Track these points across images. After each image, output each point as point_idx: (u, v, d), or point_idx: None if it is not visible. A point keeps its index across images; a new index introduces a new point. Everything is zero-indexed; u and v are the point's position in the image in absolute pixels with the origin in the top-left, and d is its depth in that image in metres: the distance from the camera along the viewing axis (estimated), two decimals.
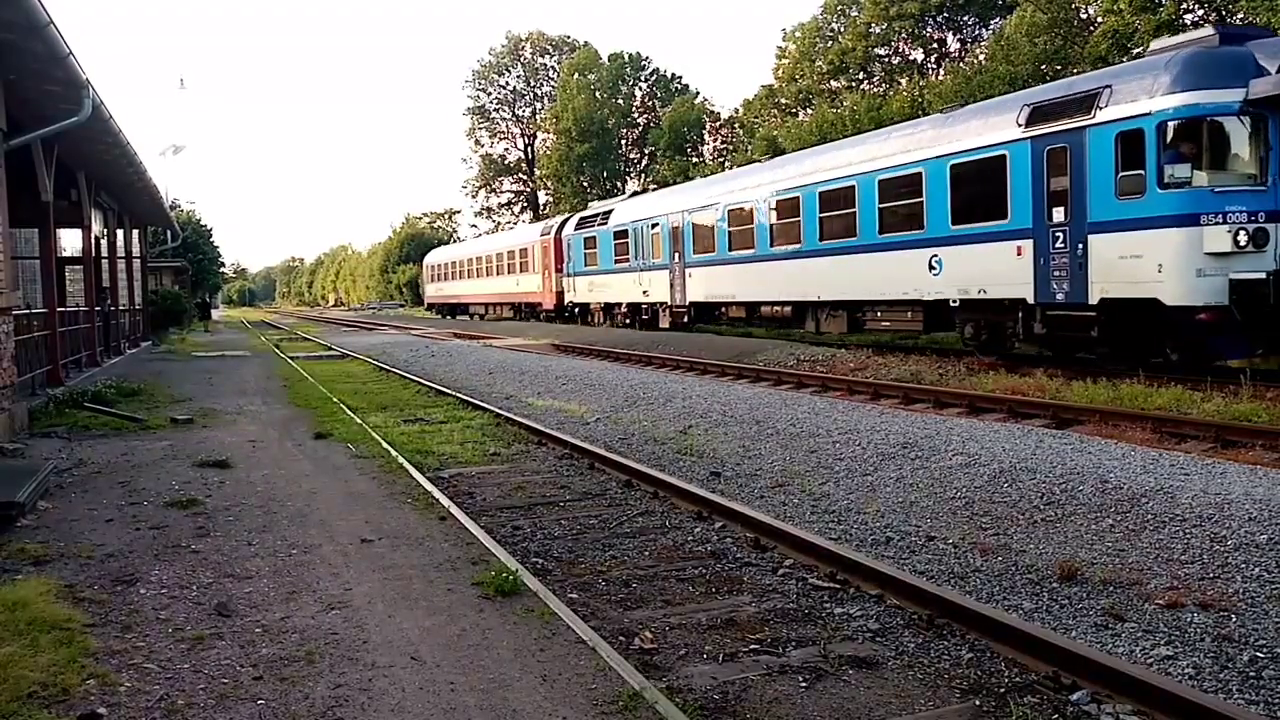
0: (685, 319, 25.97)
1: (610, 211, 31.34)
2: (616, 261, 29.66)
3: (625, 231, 29.10)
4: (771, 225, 20.99)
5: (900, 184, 16.91)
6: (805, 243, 19.65)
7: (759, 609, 5.25)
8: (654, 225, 27.12)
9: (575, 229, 34.03)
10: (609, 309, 31.65)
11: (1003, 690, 4.18)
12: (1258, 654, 4.51)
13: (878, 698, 4.14)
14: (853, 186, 18.11)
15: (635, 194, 34.44)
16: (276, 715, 3.73)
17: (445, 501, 7.32)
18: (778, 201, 20.71)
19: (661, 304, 27.09)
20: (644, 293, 27.96)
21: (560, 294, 36.01)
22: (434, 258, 61.65)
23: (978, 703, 4.07)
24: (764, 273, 21.44)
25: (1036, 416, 11.12)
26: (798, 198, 19.87)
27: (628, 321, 29.98)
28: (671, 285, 26.25)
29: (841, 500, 7.68)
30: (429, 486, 7.87)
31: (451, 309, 55.43)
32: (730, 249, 22.88)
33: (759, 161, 27.74)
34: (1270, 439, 8.91)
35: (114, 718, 3.71)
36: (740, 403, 12.45)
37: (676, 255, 25.72)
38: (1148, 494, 6.77)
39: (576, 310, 34.81)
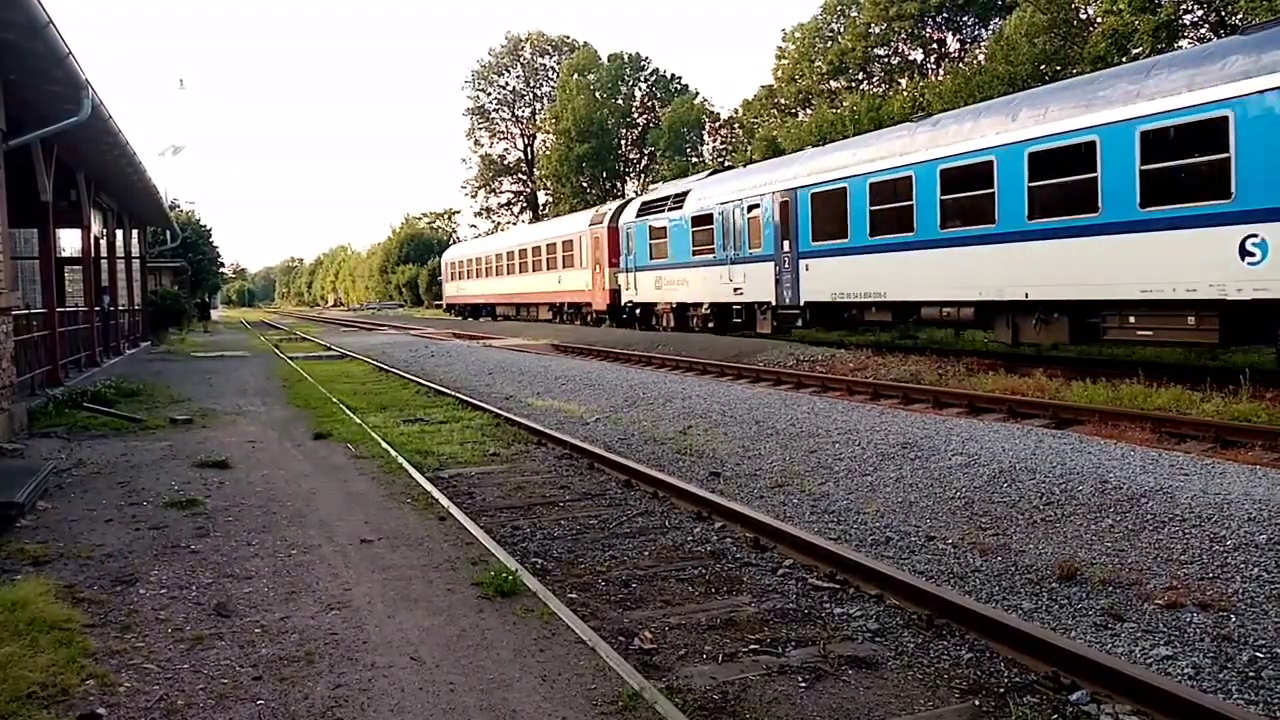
0: (799, 322, 20.69)
1: (686, 193, 25.64)
2: (696, 253, 24.45)
3: (708, 216, 23.76)
4: (943, 202, 15.80)
5: (1184, 134, 12.00)
6: (1001, 221, 14.68)
7: (759, 609, 5.25)
8: (752, 207, 21.76)
9: (637, 215, 28.41)
10: (682, 311, 26.26)
11: (1002, 690, 4.18)
12: (1257, 654, 4.51)
13: (877, 698, 4.14)
14: (1092, 143, 13.03)
15: (715, 171, 27.86)
16: (276, 715, 3.73)
17: (445, 502, 7.31)
18: (952, 170, 15.74)
19: (761, 304, 21.73)
20: (736, 290, 22.64)
21: (614, 292, 30.77)
22: (454, 254, 57.27)
23: (977, 703, 4.07)
24: (930, 262, 16.22)
25: (1036, 416, 11.12)
26: (989, 163, 14.87)
27: (710, 326, 24.77)
28: (777, 281, 20.83)
29: (841, 500, 7.68)
30: (428, 487, 7.87)
31: (475, 310, 50.89)
32: (873, 233, 17.55)
33: (896, 126, 20.85)
34: (1270, 439, 8.91)
35: (113, 718, 3.71)
36: (740, 403, 12.45)
37: (785, 243, 20.37)
38: (1147, 494, 6.77)
39: (636, 311, 29.12)
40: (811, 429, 10.26)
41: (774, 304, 21.15)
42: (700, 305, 25.10)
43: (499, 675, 4.08)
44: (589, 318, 34.40)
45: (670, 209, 26.14)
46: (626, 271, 29.44)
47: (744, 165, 26.38)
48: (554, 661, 4.21)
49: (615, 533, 6.89)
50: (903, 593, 5.22)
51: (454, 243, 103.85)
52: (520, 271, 41.70)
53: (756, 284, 21.81)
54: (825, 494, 7.90)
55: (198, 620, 4.79)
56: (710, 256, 23.80)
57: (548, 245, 38.16)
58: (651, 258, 27.29)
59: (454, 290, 54.94)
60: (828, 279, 19.16)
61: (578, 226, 35.22)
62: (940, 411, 11.99)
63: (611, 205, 33.90)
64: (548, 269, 37.90)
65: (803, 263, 20.00)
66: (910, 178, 16.61)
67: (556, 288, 36.88)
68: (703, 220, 24.20)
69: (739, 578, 5.80)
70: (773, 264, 21.07)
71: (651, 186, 31.95)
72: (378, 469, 8.79)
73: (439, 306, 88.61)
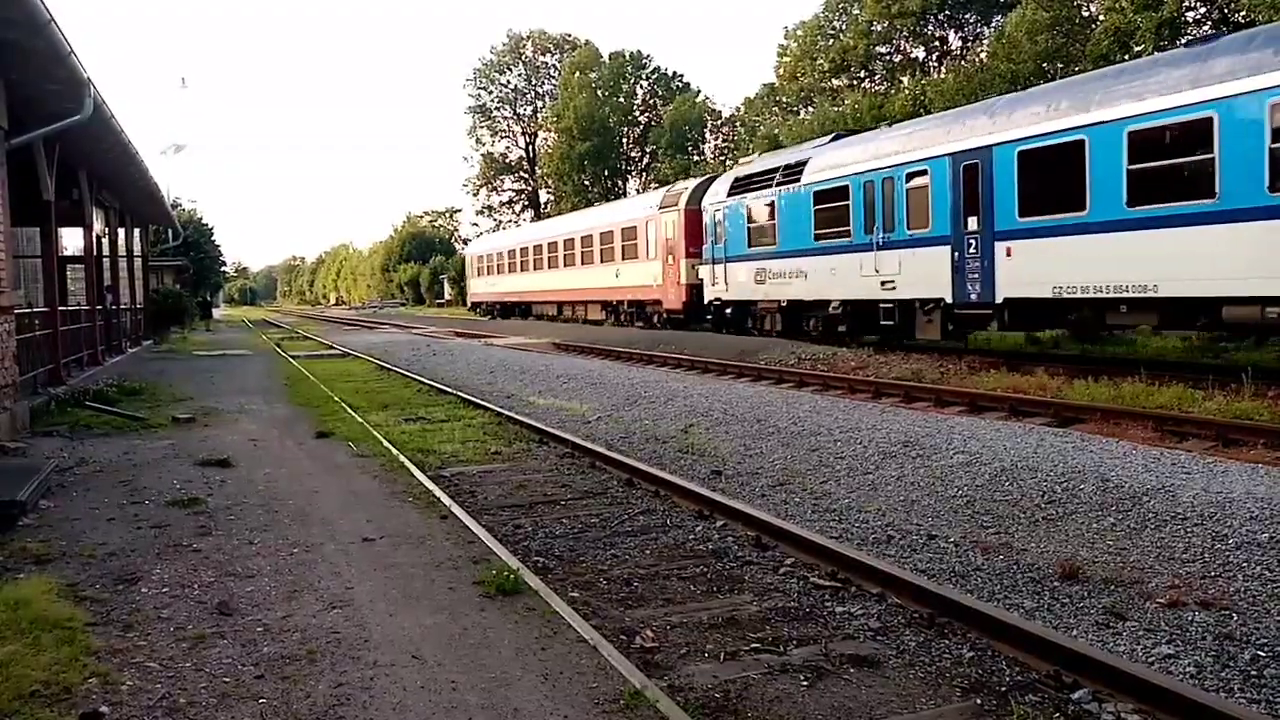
0: (991, 325, 15.76)
1: (801, 164, 20.22)
2: (820, 237, 19.19)
3: (839, 190, 18.49)
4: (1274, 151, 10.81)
5: None
6: None
7: (760, 608, 5.25)
8: (914, 174, 16.52)
9: (730, 193, 22.95)
10: (795, 311, 20.85)
11: (1004, 689, 4.18)
12: (1259, 653, 4.51)
13: (879, 696, 4.14)
14: None
15: (841, 135, 21.46)
16: (278, 714, 3.73)
17: (446, 500, 7.32)
18: None
19: (927, 301, 16.40)
20: (885, 284, 17.32)
21: (693, 288, 25.62)
22: (482, 247, 51.96)
23: (979, 701, 4.07)
24: (1245, 240, 11.20)
25: (1038, 415, 11.12)
26: None
27: (841, 329, 19.30)
28: (956, 270, 15.62)
29: (843, 499, 7.68)
30: (430, 485, 7.87)
31: (508, 309, 45.92)
32: (1134, 201, 12.50)
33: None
34: (1272, 437, 8.90)
35: (116, 716, 3.72)
36: (741, 401, 12.45)
37: (970, 220, 15.36)
38: (1149, 492, 6.77)
39: (726, 312, 23.64)
40: (813, 427, 10.25)
41: (949, 301, 15.68)
42: (825, 303, 19.37)
43: (501, 674, 4.09)
44: (657, 319, 28.59)
45: (781, 183, 20.66)
46: (713, 263, 23.80)
47: (884, 125, 20.23)
48: (556, 660, 4.22)
49: (617, 531, 6.89)
50: (904, 591, 5.22)
51: (455, 241, 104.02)
52: (566, 265, 36.25)
53: (920, 275, 16.39)
54: (827, 493, 7.90)
55: (200, 619, 4.79)
56: (844, 241, 18.45)
57: (602, 234, 32.65)
58: (750, 245, 21.92)
59: (482, 287, 49.26)
60: (1044, 267, 13.94)
61: (643, 210, 29.49)
62: (942, 410, 11.99)
63: (688, 183, 28.16)
64: (602, 261, 32.39)
65: (1001, 246, 14.77)
66: (1209, 120, 11.47)
67: (613, 283, 31.34)
68: (831, 195, 18.79)
69: (741, 576, 5.80)
70: (948, 248, 15.59)
71: (743, 160, 24.89)
72: (379, 468, 8.80)
73: (440, 305, 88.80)
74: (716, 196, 23.88)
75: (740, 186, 22.76)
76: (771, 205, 21.18)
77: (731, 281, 23.17)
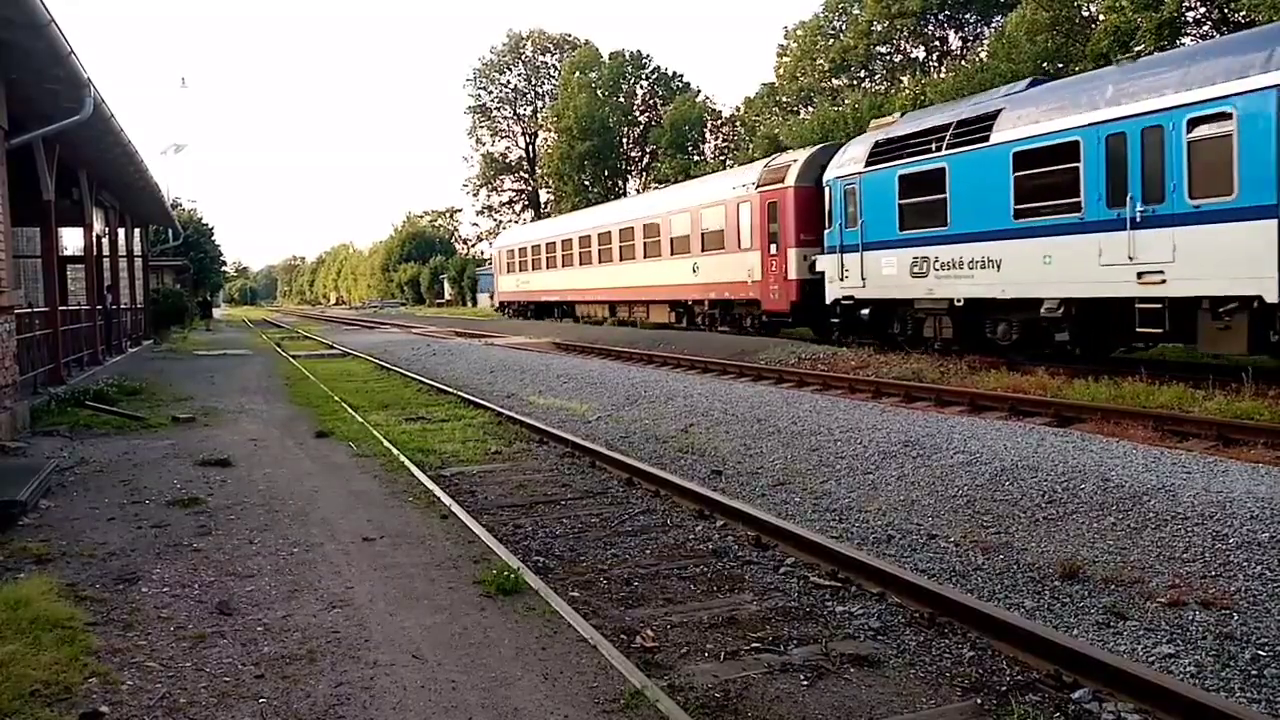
0: None
1: (991, 115, 15.12)
2: (1024, 213, 14.29)
3: (1060, 148, 13.65)
4: None
5: None
6: None
7: (760, 607, 5.25)
8: (1205, 119, 11.74)
9: (871, 161, 17.78)
10: (975, 313, 15.80)
11: (1004, 688, 4.17)
12: (1260, 652, 4.51)
13: (879, 696, 4.14)
14: None
15: (1039, 80, 16.29)
16: (278, 713, 3.73)
17: (447, 500, 7.32)
18: None
19: (1224, 300, 11.71)
20: (1145, 276, 12.50)
21: (805, 284, 20.86)
22: (513, 239, 45.25)
23: (979, 701, 4.07)
24: None
25: (1038, 414, 11.11)
26: None
27: (1060, 337, 14.22)
28: None
29: (843, 498, 7.68)
30: (430, 485, 7.87)
31: (542, 309, 40.30)
32: None
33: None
34: (1272, 437, 8.90)
35: (116, 716, 3.72)
36: (741, 401, 12.45)
37: None
38: (1149, 492, 6.77)
39: (861, 312, 18.36)
40: (813, 427, 10.25)
41: (1273, 300, 11.02)
42: (1031, 303, 14.35)
43: (501, 673, 4.09)
44: (751, 322, 23.52)
45: (954, 144, 15.69)
46: (840, 252, 18.71)
47: (1117, 63, 16.16)
48: (556, 660, 4.21)
49: (617, 531, 6.89)
50: (905, 591, 5.21)
51: (455, 241, 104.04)
52: (623, 258, 30.65)
53: (1212, 262, 11.73)
54: (827, 492, 7.90)
55: (200, 618, 4.79)
56: (1067, 218, 13.60)
57: (673, 221, 27.04)
58: (904, 227, 16.92)
59: (511, 285, 43.62)
60: None
61: (731, 190, 23.97)
62: (942, 410, 11.99)
63: (797, 154, 22.40)
64: (673, 253, 26.97)
65: None
66: None
67: (689, 279, 25.99)
68: (1044, 156, 13.93)
69: (741, 576, 5.80)
70: (1272, 223, 11.00)
71: (877, 123, 19.68)
72: (380, 467, 8.80)
73: (440, 305, 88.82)
74: (847, 167, 18.56)
75: (887, 152, 17.47)
76: (938, 174, 16.05)
77: (872, 275, 17.84)
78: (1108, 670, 4.06)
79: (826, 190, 19.33)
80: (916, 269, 16.77)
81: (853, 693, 4.18)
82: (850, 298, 18.68)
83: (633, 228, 30.19)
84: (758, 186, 22.67)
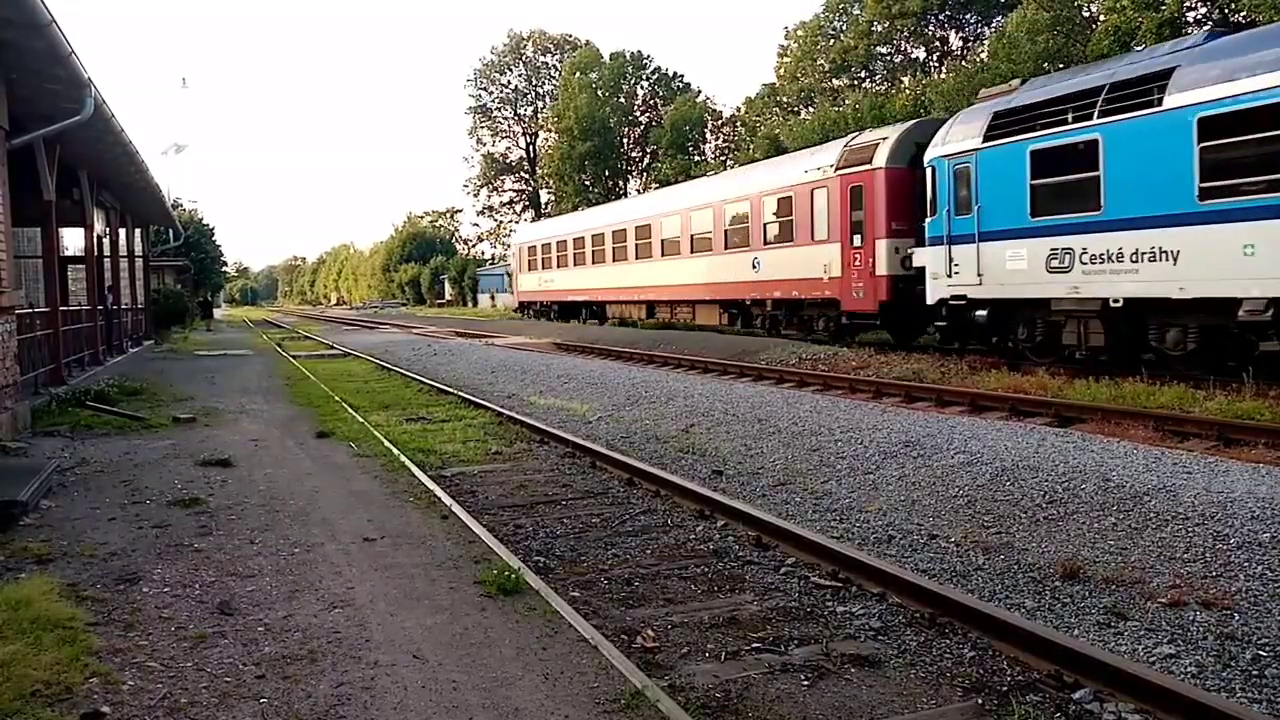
0: None
1: (1160, 75, 12.41)
2: (1211, 192, 11.67)
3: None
4: None
5: None
6: None
7: (761, 607, 5.25)
8: None
9: (990, 135, 15.00)
10: (1137, 316, 13.14)
11: (1005, 688, 4.17)
12: (1260, 652, 4.51)
13: (880, 696, 4.14)
14: None
15: (1227, 30, 13.50)
16: (279, 714, 3.73)
17: (447, 500, 7.32)
18: None
19: None
20: None
21: (896, 281, 17.97)
22: (534, 234, 41.10)
23: (980, 701, 4.06)
24: None
25: (1038, 415, 11.12)
26: None
27: (1272, 343, 11.48)
28: None
29: (844, 499, 7.68)
30: (431, 485, 7.87)
31: (567, 310, 36.81)
32: None
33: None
34: (1273, 437, 8.90)
35: (117, 716, 3.72)
36: (742, 401, 12.45)
37: None
38: (1150, 492, 6.77)
39: (976, 314, 15.49)
40: (814, 427, 10.25)
41: None
42: (1221, 304, 11.68)
43: (502, 673, 4.09)
44: (825, 324, 20.44)
45: (1107, 111, 12.98)
46: (947, 243, 15.84)
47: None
48: (556, 660, 4.22)
49: (618, 531, 6.89)
50: (905, 591, 5.21)
51: (456, 241, 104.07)
52: (666, 254, 27.33)
53: None
54: (828, 492, 7.90)
55: (201, 619, 4.79)
56: None
57: (730, 211, 23.62)
58: (1036, 213, 14.17)
59: (533, 284, 39.70)
60: None
61: (802, 174, 20.65)
62: (943, 410, 11.99)
63: (886, 131, 19.09)
64: (728, 247, 23.64)
65: None
66: None
67: (749, 276, 22.62)
68: (1245, 122, 11.29)
69: (741, 576, 5.80)
70: None
71: (987, 91, 17.02)
72: (380, 467, 8.80)
73: (440, 305, 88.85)
74: (956, 143, 15.71)
75: (1012, 124, 14.71)
76: (1088, 148, 13.30)
77: (991, 270, 15.02)
78: (1108, 670, 4.06)
79: (929, 171, 16.24)
80: (1055, 263, 13.88)
81: (853, 693, 4.18)
82: (961, 297, 15.62)
83: (677, 219, 26.68)
84: (837, 169, 19.45)
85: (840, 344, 19.41)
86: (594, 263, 33.08)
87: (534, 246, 39.73)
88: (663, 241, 27.70)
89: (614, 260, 31.41)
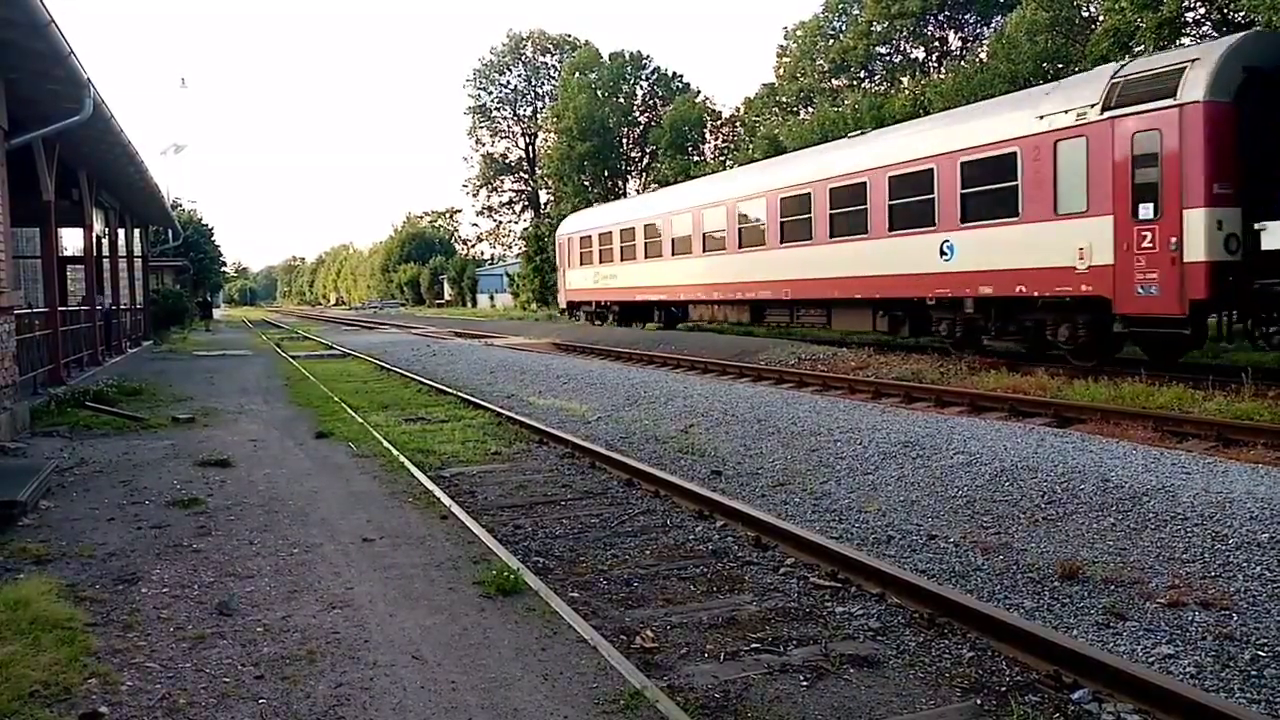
0: None
1: None
2: None
3: None
4: None
5: None
6: None
7: (760, 608, 5.25)
8: None
9: None
10: None
11: (1004, 689, 4.17)
12: (1259, 653, 4.51)
13: (879, 696, 4.14)
14: None
15: None
16: (278, 714, 3.73)
17: (446, 500, 7.32)
18: None
19: None
20: None
21: (1219, 269, 12.13)
22: (588, 221, 33.74)
23: (979, 701, 4.07)
24: None
25: (1038, 415, 11.12)
26: None
27: None
28: None
29: (843, 499, 7.68)
30: (430, 485, 7.87)
31: (632, 311, 30.30)
32: None
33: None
34: (1272, 438, 8.90)
35: (115, 717, 3.72)
36: (741, 402, 12.45)
37: None
38: (1149, 493, 6.77)
39: None
40: (813, 428, 10.25)
41: None
42: None
43: (501, 674, 4.09)
44: (1075, 335, 14.40)
45: None
46: None
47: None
48: (555, 660, 4.21)
49: (617, 532, 6.89)
50: (904, 591, 5.21)
51: (455, 241, 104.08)
52: (786, 240, 20.77)
53: None
54: (827, 493, 7.90)
55: (200, 619, 4.79)
56: None
57: (889, 179, 17.62)
58: None
59: (585, 280, 32.74)
60: None
61: (1037, 121, 14.66)
62: (942, 410, 11.99)
63: (1192, 52, 13.06)
64: (896, 228, 17.44)
65: None
66: None
67: (931, 267, 16.64)
68: None
69: (741, 576, 5.80)
70: None
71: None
72: (379, 468, 8.79)
73: (440, 305, 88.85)
74: None
75: None
76: None
77: None
78: (1107, 671, 4.06)
79: None
80: None
81: (852, 693, 4.18)
82: None
83: (807, 195, 19.96)
84: (1105, 109, 13.47)
85: (1095, 359, 14.23)
86: (676, 254, 26.13)
87: (588, 236, 32.44)
88: (782, 225, 20.98)
89: (706, 250, 24.56)
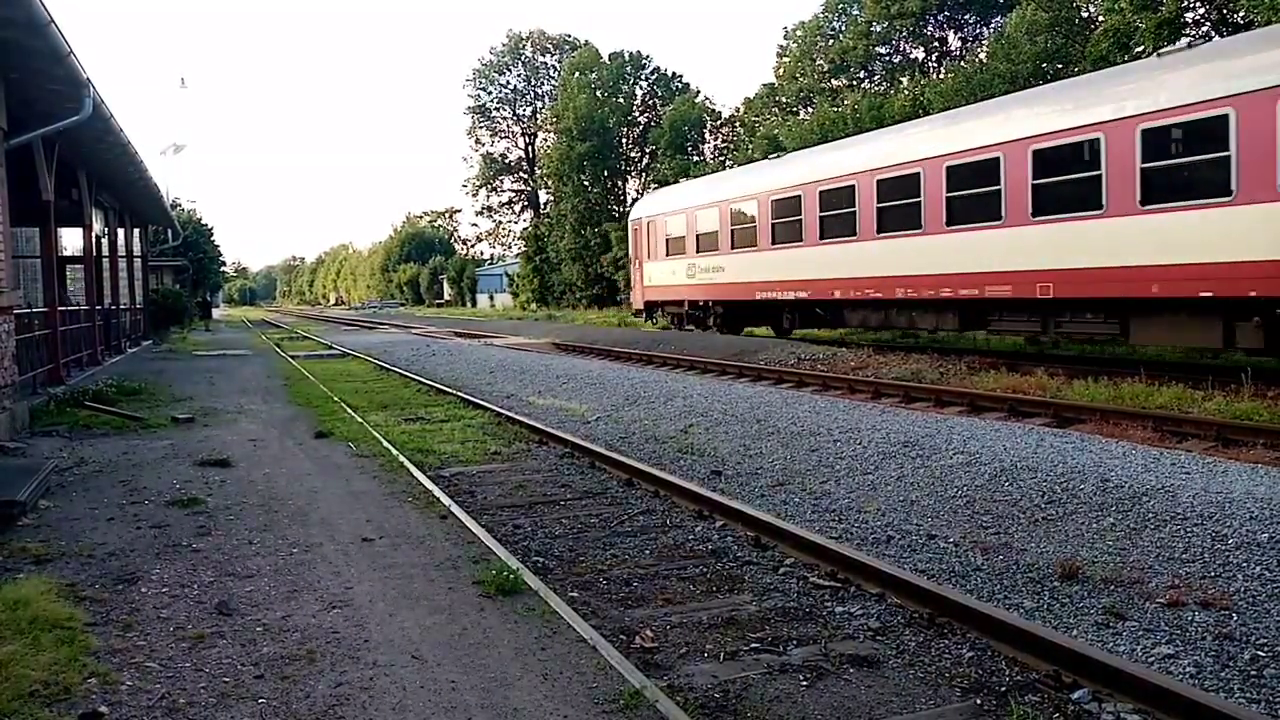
0: None
1: None
2: None
3: None
4: None
5: None
6: None
7: (760, 608, 5.25)
8: None
9: None
10: None
11: (1004, 689, 4.17)
12: (1259, 653, 4.51)
13: (878, 696, 4.14)
14: None
15: None
16: (278, 714, 3.73)
17: (446, 500, 7.32)
18: None
19: None
20: None
21: None
22: (681, 199, 26.60)
23: (978, 701, 4.07)
24: None
25: (1037, 415, 11.12)
26: None
27: None
28: None
29: (842, 499, 7.68)
30: (430, 485, 7.87)
31: (741, 312, 24.08)
32: None
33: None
34: (1271, 437, 8.91)
35: (115, 716, 3.71)
36: (741, 401, 12.45)
37: None
38: (1149, 492, 6.77)
39: None
40: (813, 428, 10.25)
41: None
42: None
43: (500, 674, 4.08)
44: None
45: None
46: None
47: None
48: (555, 660, 4.21)
49: (616, 531, 6.89)
50: (904, 591, 5.21)
51: (455, 241, 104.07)
52: (1044, 211, 14.18)
53: None
54: (826, 493, 7.90)
55: (199, 619, 4.79)
56: None
57: (1175, 130, 12.27)
58: None
59: (675, 274, 25.97)
60: None
61: None
62: (941, 410, 11.99)
63: None
64: (1194, 195, 11.98)
65: None
66: None
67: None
68: None
69: (740, 576, 5.80)
70: None
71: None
72: (379, 468, 8.79)
73: (439, 305, 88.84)
74: None
75: None
76: None
77: None
78: (1107, 671, 4.06)
79: None
80: None
81: (852, 693, 4.18)
82: None
83: (1071, 144, 13.71)
84: None
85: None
86: (828, 237, 19.21)
87: (681, 218, 25.63)
88: (1006, 192, 14.75)
89: (888, 230, 17.52)
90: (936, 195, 16.31)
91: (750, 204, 22.39)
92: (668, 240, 26.55)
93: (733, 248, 23.11)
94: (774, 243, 21.29)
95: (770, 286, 21.61)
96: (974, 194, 15.52)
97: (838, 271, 19.02)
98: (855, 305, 19.23)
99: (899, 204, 17.25)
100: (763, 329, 24.40)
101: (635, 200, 31.26)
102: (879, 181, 17.73)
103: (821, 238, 19.46)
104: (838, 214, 18.88)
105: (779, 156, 23.88)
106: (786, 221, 20.73)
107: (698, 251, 24.80)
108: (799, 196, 20.22)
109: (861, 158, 18.64)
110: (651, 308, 28.66)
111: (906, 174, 17.04)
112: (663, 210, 27.27)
